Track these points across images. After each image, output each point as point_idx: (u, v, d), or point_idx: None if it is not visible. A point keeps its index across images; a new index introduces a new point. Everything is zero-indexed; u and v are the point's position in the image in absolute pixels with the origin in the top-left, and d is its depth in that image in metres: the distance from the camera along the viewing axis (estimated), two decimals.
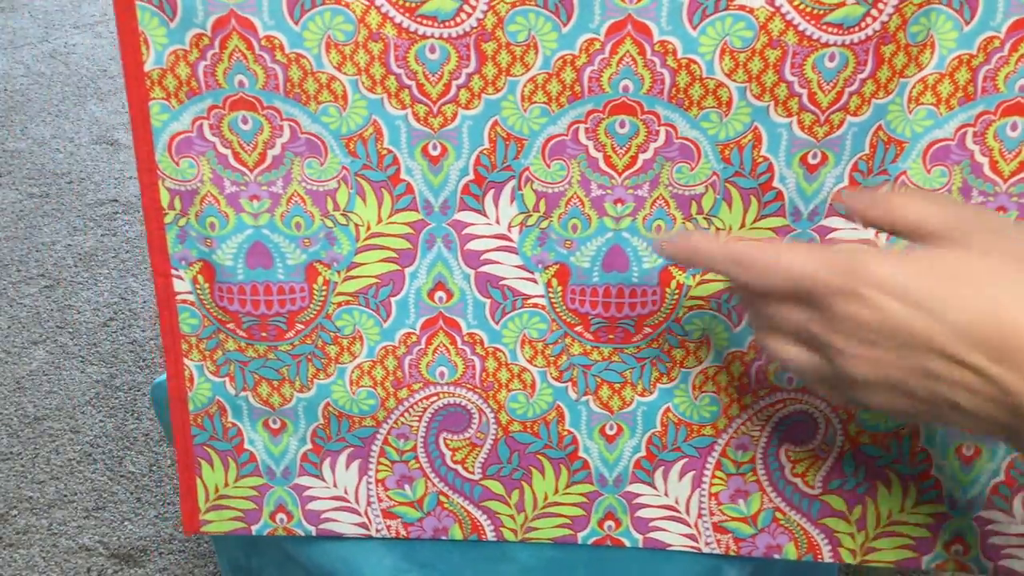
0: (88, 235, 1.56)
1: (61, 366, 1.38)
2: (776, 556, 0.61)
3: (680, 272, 0.57)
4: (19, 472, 1.25)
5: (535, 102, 0.55)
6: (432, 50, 0.54)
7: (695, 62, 0.53)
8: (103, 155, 1.80)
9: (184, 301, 0.60)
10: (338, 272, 0.59)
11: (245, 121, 0.55)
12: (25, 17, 2.32)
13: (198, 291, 0.59)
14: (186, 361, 0.61)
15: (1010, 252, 0.39)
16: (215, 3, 0.53)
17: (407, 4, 0.53)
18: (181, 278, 0.59)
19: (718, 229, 0.56)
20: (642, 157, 0.55)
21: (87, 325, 1.41)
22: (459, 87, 0.55)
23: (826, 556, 0.61)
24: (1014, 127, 0.53)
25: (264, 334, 0.60)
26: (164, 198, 0.57)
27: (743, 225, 0.56)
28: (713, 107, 0.54)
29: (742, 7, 0.52)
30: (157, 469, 1.24)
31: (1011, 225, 0.42)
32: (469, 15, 0.53)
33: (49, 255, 1.54)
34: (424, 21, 0.53)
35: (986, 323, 0.38)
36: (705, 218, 0.56)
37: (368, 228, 0.58)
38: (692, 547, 0.62)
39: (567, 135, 0.55)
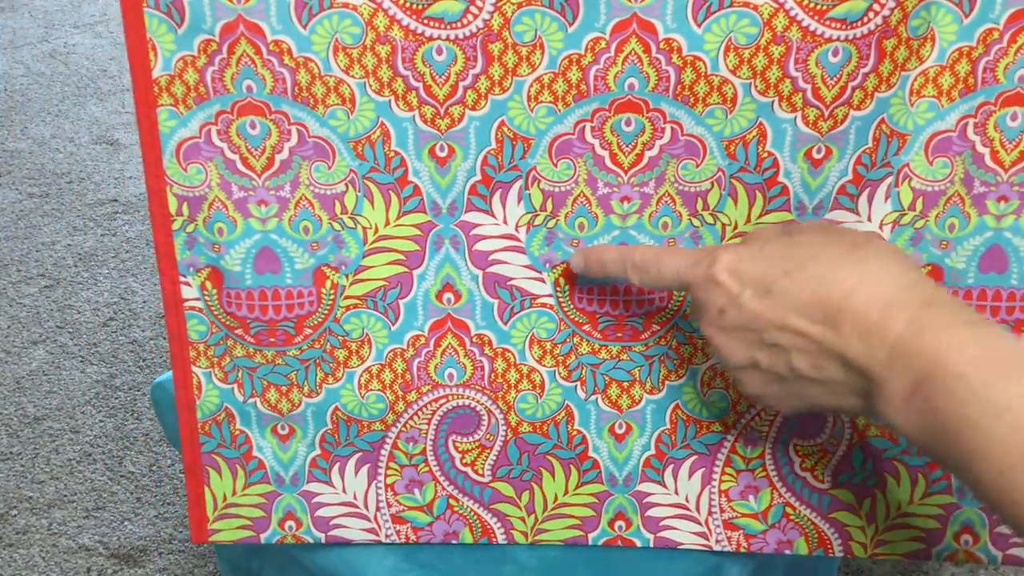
0: (88, 235, 1.56)
1: (61, 366, 1.37)
2: (787, 552, 0.62)
3: None
4: (19, 472, 1.24)
5: (541, 102, 0.55)
6: (439, 51, 0.54)
7: (700, 59, 0.53)
8: (103, 155, 1.79)
9: (192, 308, 0.60)
10: (346, 275, 0.59)
11: (253, 126, 0.56)
12: (25, 17, 2.31)
13: (206, 297, 0.59)
14: (194, 368, 0.61)
15: (841, 239, 0.47)
16: (223, 8, 0.53)
17: (414, 6, 0.53)
18: (189, 284, 0.59)
19: (724, 225, 0.57)
20: (648, 154, 0.56)
21: (87, 325, 1.41)
22: (466, 88, 0.55)
23: (837, 550, 0.61)
24: (1014, 117, 0.54)
25: (272, 339, 0.60)
26: (172, 204, 0.57)
27: (748, 220, 0.56)
28: (718, 103, 0.54)
29: (746, 4, 0.52)
30: (157, 469, 1.23)
31: (838, 228, 0.50)
32: (476, 16, 0.53)
33: (49, 255, 1.53)
34: (431, 23, 0.54)
35: (821, 294, 0.44)
36: (711, 214, 0.57)
37: (376, 231, 0.58)
38: (703, 545, 0.62)
39: (573, 134, 0.56)
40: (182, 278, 0.59)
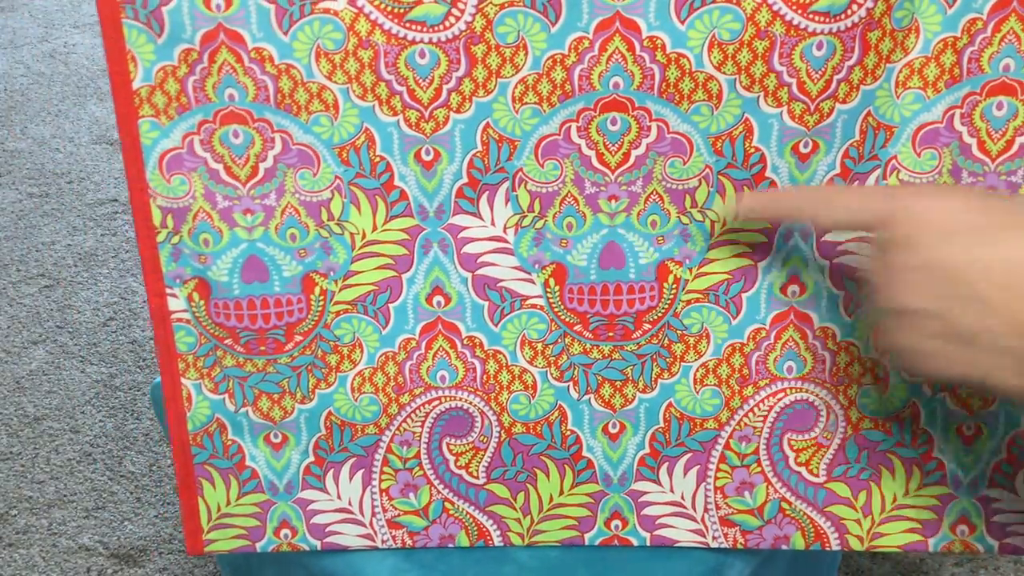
0: (88, 235, 1.55)
1: (61, 366, 1.37)
2: (784, 547, 0.62)
3: (677, 266, 0.57)
4: (19, 472, 1.24)
5: (526, 103, 0.55)
6: (422, 55, 0.54)
7: (684, 56, 0.53)
8: (103, 155, 1.79)
9: (179, 320, 0.59)
10: (335, 281, 0.58)
11: (236, 135, 0.55)
12: (25, 17, 2.30)
13: (193, 309, 0.59)
14: (183, 380, 0.61)
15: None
16: (203, 17, 0.52)
17: (396, 10, 0.53)
18: (176, 296, 0.59)
19: (713, 222, 0.57)
20: (635, 153, 0.56)
21: (87, 325, 1.40)
22: (450, 91, 0.55)
23: (833, 544, 0.61)
24: (1000, 106, 0.54)
25: (263, 348, 0.60)
26: (156, 217, 0.57)
27: (737, 216, 0.56)
28: (704, 100, 0.54)
29: None
30: (157, 469, 1.23)
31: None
32: (458, 18, 0.53)
33: (49, 255, 1.52)
34: (413, 26, 0.53)
35: (1013, 261, 0.42)
36: (699, 211, 0.56)
37: (363, 236, 0.58)
38: (700, 542, 0.62)
39: (559, 134, 0.55)
40: (168, 290, 0.58)
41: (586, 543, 0.63)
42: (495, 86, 0.55)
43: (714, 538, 0.62)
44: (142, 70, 0.54)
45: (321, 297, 0.59)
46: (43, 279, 1.48)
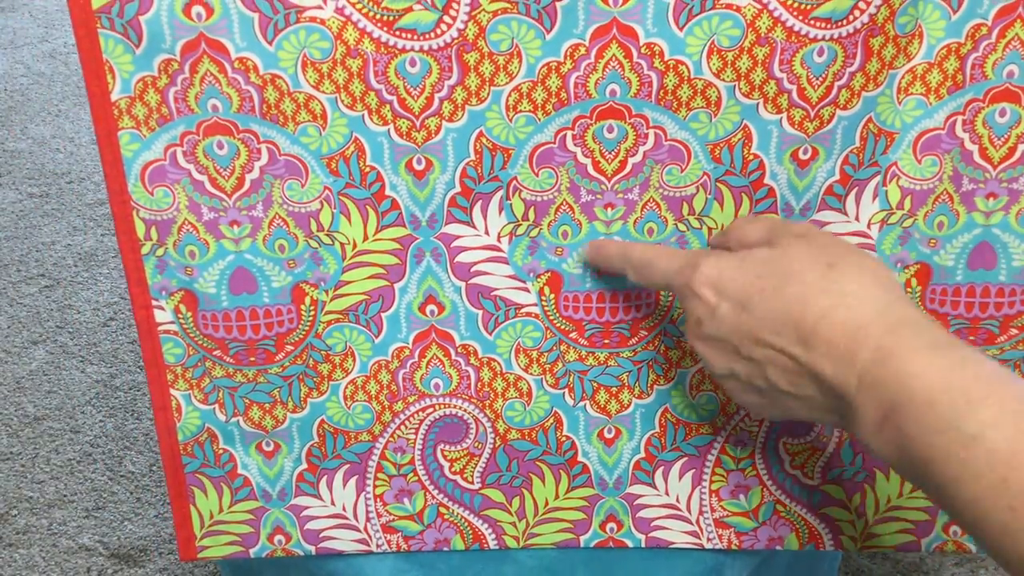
0: (88, 235, 1.53)
1: (61, 366, 1.35)
2: (778, 547, 0.62)
3: None
4: (19, 472, 1.23)
5: (520, 111, 0.53)
6: (412, 63, 0.52)
7: (683, 63, 0.52)
8: None
9: (167, 331, 0.58)
10: (326, 291, 0.57)
11: (221, 146, 0.53)
12: (25, 17, 2.24)
13: (180, 320, 0.57)
14: (172, 392, 0.59)
15: (818, 257, 0.46)
16: (183, 27, 0.50)
17: (385, 18, 0.51)
18: (162, 308, 0.57)
19: (710, 229, 0.56)
20: (631, 161, 0.54)
21: (87, 325, 1.38)
22: (442, 100, 0.53)
23: (827, 545, 0.61)
24: (1002, 113, 0.53)
25: (252, 359, 0.58)
26: (140, 229, 0.55)
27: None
28: (702, 107, 0.53)
29: (729, 5, 0.51)
30: (157, 469, 1.22)
31: (817, 231, 0.48)
32: (450, 26, 0.51)
33: (49, 255, 1.50)
34: (403, 34, 0.51)
35: (796, 316, 0.44)
36: (697, 219, 0.55)
37: (354, 246, 0.56)
38: (694, 544, 0.62)
39: (554, 143, 0.54)
40: (154, 302, 0.57)
41: (581, 545, 0.63)
42: (488, 94, 0.53)
43: (709, 540, 0.62)
44: (120, 81, 0.52)
45: (312, 307, 0.58)
46: (43, 279, 1.45)
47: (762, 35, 0.51)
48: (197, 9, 0.50)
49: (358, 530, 0.63)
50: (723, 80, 0.52)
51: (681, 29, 0.51)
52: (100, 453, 1.24)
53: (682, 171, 0.54)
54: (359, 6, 0.51)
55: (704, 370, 0.58)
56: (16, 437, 1.27)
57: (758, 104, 0.53)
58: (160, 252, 0.56)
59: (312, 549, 0.63)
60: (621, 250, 0.54)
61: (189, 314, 0.57)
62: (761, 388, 0.48)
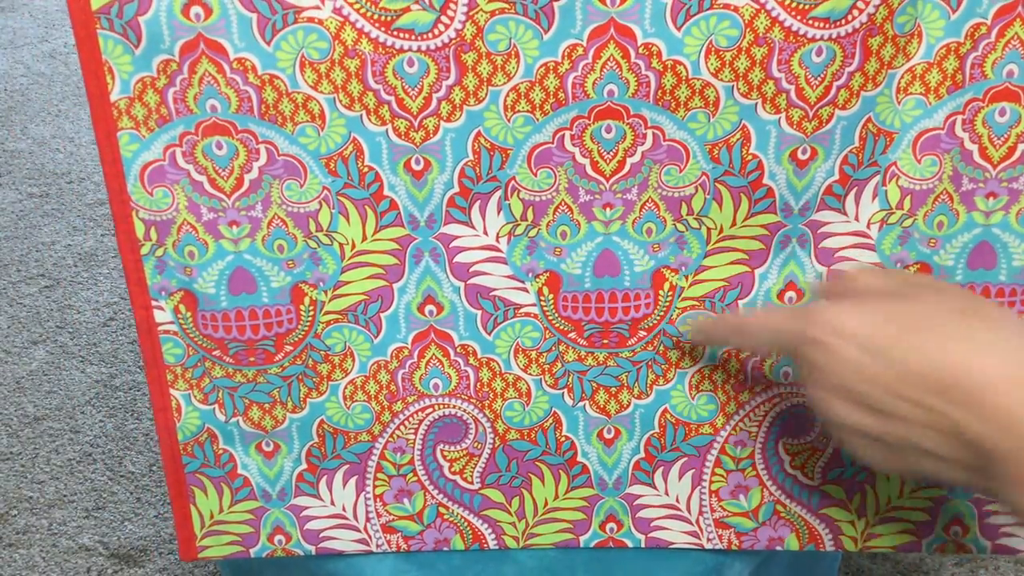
0: (88, 235, 1.53)
1: (61, 366, 1.35)
2: (779, 548, 0.62)
3: (673, 274, 0.56)
4: (19, 472, 1.23)
5: (518, 111, 0.53)
6: (410, 63, 0.52)
7: (681, 63, 0.52)
8: None
9: (166, 332, 0.58)
10: (325, 291, 0.57)
11: (219, 146, 0.53)
12: (25, 17, 2.25)
13: (180, 321, 0.58)
14: (172, 392, 0.60)
15: (951, 305, 0.44)
16: (182, 27, 0.50)
17: (383, 18, 0.51)
18: (162, 308, 0.57)
19: (709, 229, 0.56)
20: (630, 161, 0.54)
21: (87, 325, 1.39)
22: (440, 100, 0.53)
23: (828, 545, 0.61)
24: (1002, 112, 0.53)
25: (252, 359, 0.59)
26: (139, 229, 0.55)
27: (734, 223, 0.55)
28: (700, 107, 0.53)
29: (727, 6, 0.50)
30: (157, 469, 1.22)
31: (949, 286, 0.47)
32: (447, 26, 0.51)
33: (49, 255, 1.50)
34: (401, 35, 0.51)
35: (933, 366, 0.41)
36: (696, 219, 0.55)
37: (353, 246, 0.56)
38: (694, 544, 0.62)
39: (552, 143, 0.54)
40: (154, 302, 0.57)
41: (581, 545, 0.63)
42: (486, 94, 0.53)
43: (708, 540, 0.62)
44: (120, 82, 0.52)
45: (311, 307, 0.58)
46: (43, 279, 1.45)
47: (760, 35, 0.51)
48: (196, 10, 0.50)
49: (358, 530, 0.63)
50: (721, 80, 0.52)
51: (679, 29, 0.51)
52: (100, 453, 1.24)
53: (681, 171, 0.54)
54: (357, 6, 0.51)
55: (704, 369, 0.58)
56: (16, 437, 1.27)
57: (756, 104, 0.53)
58: (159, 252, 0.56)
59: (312, 549, 0.63)
60: (725, 324, 0.52)
61: (189, 314, 0.57)
62: (891, 444, 0.44)
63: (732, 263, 0.56)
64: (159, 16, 0.50)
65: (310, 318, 0.58)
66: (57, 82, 2.01)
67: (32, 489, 1.21)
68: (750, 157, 0.54)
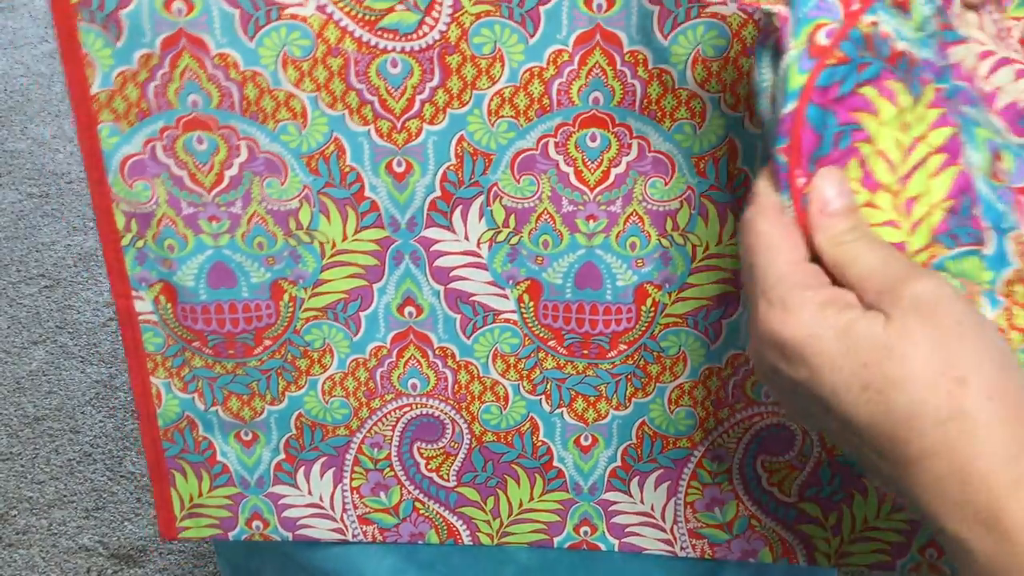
0: (88, 235, 1.54)
1: (61, 366, 1.37)
2: (751, 560, 0.61)
3: (656, 290, 0.56)
4: (19, 472, 1.25)
5: (502, 116, 0.53)
6: (394, 64, 0.51)
7: (667, 72, 0.51)
8: None
9: (147, 321, 0.58)
10: (304, 289, 0.57)
11: (200, 141, 0.53)
12: (25, 17, 2.26)
13: (160, 311, 0.58)
14: (152, 379, 0.60)
15: (934, 351, 0.36)
16: (163, 22, 0.50)
17: (367, 17, 0.50)
18: (142, 299, 0.58)
19: (694, 246, 0.55)
20: (614, 172, 0.53)
21: (87, 325, 1.40)
22: (423, 102, 0.52)
23: (801, 560, 0.61)
24: (593, 138, 0.52)
25: (231, 351, 0.59)
26: (120, 221, 0.55)
27: (720, 241, 0.54)
28: (687, 119, 0.52)
29: (715, 15, 0.49)
30: None
31: (944, 296, 0.37)
32: (432, 27, 0.50)
33: (49, 255, 1.51)
34: (385, 35, 0.51)
35: (893, 428, 0.36)
36: (681, 235, 0.54)
37: (333, 245, 0.56)
38: (667, 551, 0.62)
39: (536, 150, 0.53)
40: (134, 292, 0.57)
41: (555, 546, 0.63)
42: (470, 98, 0.52)
43: (682, 548, 0.62)
44: (100, 75, 0.51)
45: (290, 304, 0.58)
46: (43, 279, 1.47)
47: (748, 45, 0.50)
48: (178, 4, 0.50)
49: (335, 520, 0.64)
50: (708, 91, 0.51)
51: (666, 37, 0.50)
52: (100, 453, 1.26)
53: (666, 184, 0.53)
54: (341, 4, 0.50)
55: (684, 384, 0.58)
56: (16, 437, 1.29)
57: (743, 117, 0.51)
58: (140, 244, 0.56)
59: (289, 536, 0.64)
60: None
61: (168, 305, 0.57)
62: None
63: (717, 282, 0.55)
64: (140, 10, 0.50)
65: (289, 314, 0.58)
66: (57, 82, 2.01)
67: (32, 489, 1.23)
68: (737, 172, 0.53)
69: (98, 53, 0.51)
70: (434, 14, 0.50)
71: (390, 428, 0.61)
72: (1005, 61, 0.43)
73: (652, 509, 0.61)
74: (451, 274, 0.56)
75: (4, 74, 2.02)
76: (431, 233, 0.56)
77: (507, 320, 0.57)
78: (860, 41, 0.38)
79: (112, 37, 0.50)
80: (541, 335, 0.58)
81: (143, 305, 0.58)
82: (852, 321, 0.37)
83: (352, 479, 0.63)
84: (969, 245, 0.40)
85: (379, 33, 0.51)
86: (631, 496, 0.61)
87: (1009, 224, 0.41)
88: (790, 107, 0.38)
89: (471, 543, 0.64)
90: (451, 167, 0.54)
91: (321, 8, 0.50)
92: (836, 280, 0.39)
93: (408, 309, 0.58)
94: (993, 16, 0.43)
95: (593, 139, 0.53)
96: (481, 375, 0.59)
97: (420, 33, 0.51)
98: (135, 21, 0.50)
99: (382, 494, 0.63)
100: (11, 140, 1.81)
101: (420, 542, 0.64)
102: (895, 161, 0.39)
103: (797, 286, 0.38)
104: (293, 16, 0.50)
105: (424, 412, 0.60)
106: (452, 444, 0.61)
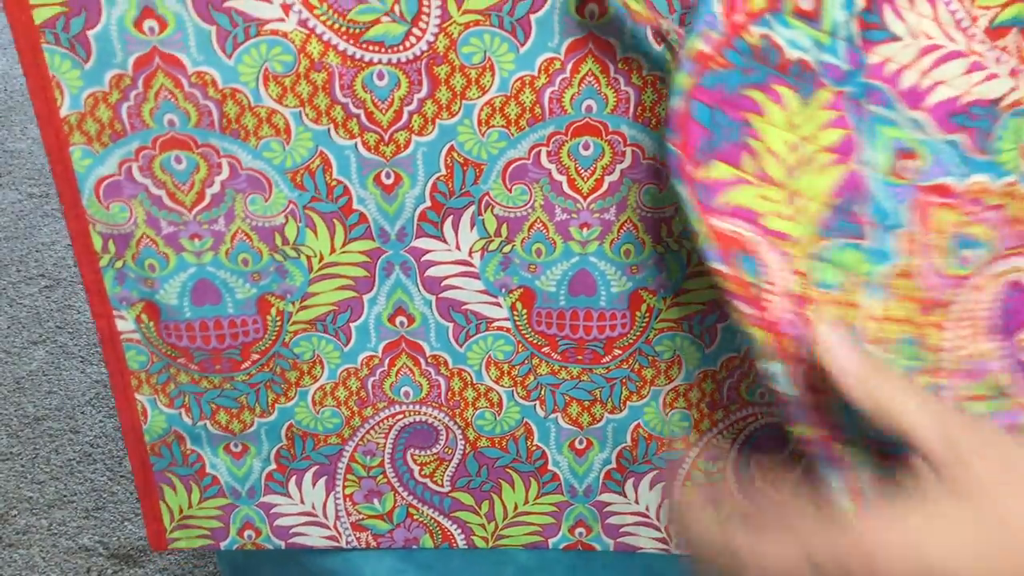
0: None
1: (61, 366, 1.34)
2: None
3: (651, 295, 0.55)
4: (19, 472, 1.23)
5: (493, 126, 0.51)
6: (380, 76, 0.49)
7: (661, 79, 0.49)
8: None
9: (129, 340, 0.56)
10: (292, 303, 0.56)
11: (179, 160, 0.51)
12: None
13: (143, 329, 0.56)
14: (137, 396, 0.58)
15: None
16: (135, 41, 0.47)
17: (351, 31, 0.48)
18: (124, 318, 0.56)
19: (689, 252, 0.54)
20: (608, 179, 0.52)
21: (87, 325, 1.37)
22: (411, 113, 0.50)
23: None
24: (586, 146, 0.51)
25: (218, 366, 0.57)
26: (97, 243, 0.53)
27: None
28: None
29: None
30: None
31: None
32: (419, 38, 0.48)
33: (49, 255, 1.47)
34: (370, 47, 0.49)
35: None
36: (675, 240, 0.54)
37: (321, 259, 0.55)
38: (663, 550, 0.62)
39: (528, 159, 0.52)
40: (115, 312, 0.55)
41: (550, 547, 0.63)
42: (460, 108, 0.50)
43: (678, 546, 0.62)
44: (69, 97, 0.49)
45: (278, 318, 0.56)
46: (43, 279, 1.43)
47: None
48: (149, 23, 0.47)
49: (328, 527, 0.63)
50: None
51: (659, 44, 0.48)
52: (100, 453, 1.24)
53: (661, 191, 0.52)
54: (324, 18, 0.48)
55: (679, 387, 0.57)
56: (16, 437, 1.26)
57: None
58: (119, 264, 0.54)
59: (282, 544, 0.64)
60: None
61: (151, 323, 0.56)
62: None
63: (712, 287, 0.55)
64: (109, 30, 0.47)
65: (277, 328, 0.56)
66: None
67: (32, 489, 1.21)
68: None
69: (65, 75, 0.48)
70: (421, 25, 0.48)
71: (383, 436, 0.60)
72: (955, 54, 0.44)
73: (647, 509, 0.61)
74: (443, 284, 0.55)
75: (4, 74, 1.95)
76: (422, 243, 0.54)
77: (500, 328, 0.56)
78: (746, 51, 0.43)
79: (80, 58, 0.48)
80: (535, 342, 0.57)
81: (125, 324, 0.56)
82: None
83: (345, 487, 0.62)
84: (848, 238, 0.44)
85: (364, 46, 0.49)
86: (626, 497, 0.61)
87: (896, 222, 0.45)
88: (676, 104, 0.43)
89: (466, 547, 0.64)
90: (441, 178, 0.52)
91: (303, 23, 0.48)
92: None
93: (399, 319, 0.56)
94: (951, 7, 0.43)
95: (586, 147, 0.51)
96: (475, 382, 0.58)
97: (407, 44, 0.49)
98: (104, 42, 0.47)
99: (375, 500, 0.62)
100: (11, 140, 1.76)
101: (415, 547, 0.64)
102: (783, 157, 0.44)
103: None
104: (274, 32, 0.48)
105: (417, 419, 0.60)
106: (446, 450, 0.60)
